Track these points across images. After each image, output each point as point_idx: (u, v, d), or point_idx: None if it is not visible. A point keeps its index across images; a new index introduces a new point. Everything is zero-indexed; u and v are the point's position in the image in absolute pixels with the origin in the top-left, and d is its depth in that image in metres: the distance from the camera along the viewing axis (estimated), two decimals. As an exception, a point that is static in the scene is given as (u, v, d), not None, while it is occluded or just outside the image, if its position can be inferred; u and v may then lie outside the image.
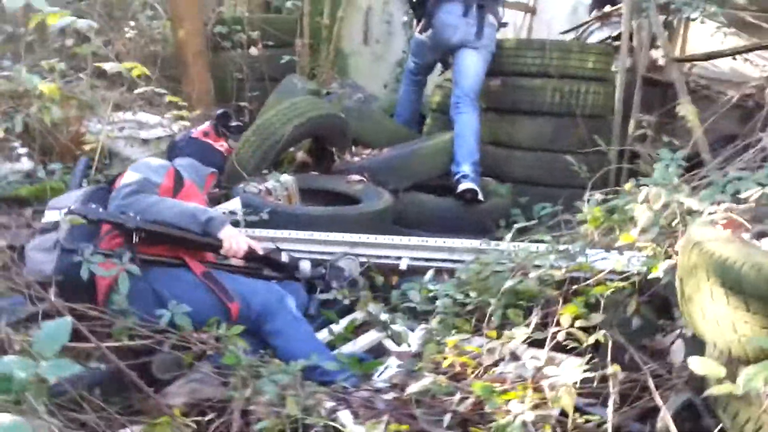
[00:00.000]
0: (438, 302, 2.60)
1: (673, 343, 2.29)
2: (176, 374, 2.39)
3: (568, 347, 2.16)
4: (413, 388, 2.14)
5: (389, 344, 2.77)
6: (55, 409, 1.90)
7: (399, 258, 3.22)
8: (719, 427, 1.80)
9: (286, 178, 3.91)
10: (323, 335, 2.77)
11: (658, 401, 1.89)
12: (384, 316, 2.81)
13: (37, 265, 2.51)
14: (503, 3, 4.80)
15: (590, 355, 2.13)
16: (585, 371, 2.01)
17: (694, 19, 4.69)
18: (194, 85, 5.52)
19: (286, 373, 2.14)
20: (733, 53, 4.65)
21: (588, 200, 2.79)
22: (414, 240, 3.30)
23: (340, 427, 2.01)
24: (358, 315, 2.88)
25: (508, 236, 2.88)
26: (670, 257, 2.23)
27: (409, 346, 2.61)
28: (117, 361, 2.13)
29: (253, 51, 5.80)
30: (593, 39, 5.50)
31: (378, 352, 2.76)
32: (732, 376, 1.57)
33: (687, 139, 4.00)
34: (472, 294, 2.57)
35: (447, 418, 2.03)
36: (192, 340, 2.31)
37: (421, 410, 2.10)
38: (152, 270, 2.51)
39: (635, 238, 2.34)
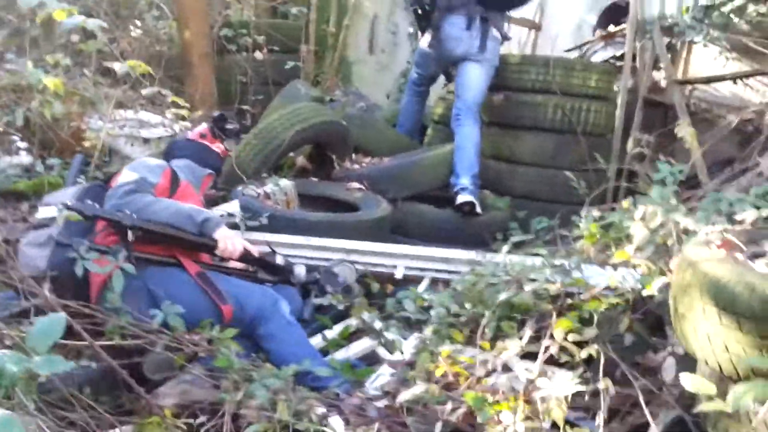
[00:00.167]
0: (432, 312, 2.61)
1: (665, 360, 2.29)
2: (168, 375, 2.38)
3: (560, 361, 2.17)
4: (405, 396, 2.14)
5: (382, 352, 2.77)
6: (44, 406, 1.90)
7: (395, 266, 3.22)
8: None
9: (286, 182, 3.91)
10: (317, 341, 2.77)
11: (649, 417, 1.90)
12: (378, 324, 2.81)
13: (31, 260, 2.51)
14: (508, 18, 4.83)
15: (582, 370, 2.13)
16: (577, 385, 2.01)
17: (697, 43, 4.73)
18: (198, 87, 5.53)
19: (277, 377, 2.14)
20: (735, 77, 4.68)
21: (585, 216, 2.80)
22: (410, 249, 3.30)
23: (330, 433, 2.01)
24: (352, 322, 2.88)
25: (505, 249, 2.88)
26: (664, 275, 2.24)
27: (402, 354, 2.61)
28: (109, 359, 2.12)
29: (258, 55, 5.82)
30: (597, 58, 5.53)
31: (371, 360, 2.77)
32: (722, 394, 1.57)
33: (685, 161, 4.01)
34: (467, 305, 2.57)
35: (438, 427, 2.03)
36: (184, 341, 2.31)
37: (412, 419, 2.10)
38: (147, 268, 2.51)
39: (630, 255, 2.35)
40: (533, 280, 2.48)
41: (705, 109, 5.15)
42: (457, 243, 3.75)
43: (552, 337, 2.16)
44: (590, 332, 2.19)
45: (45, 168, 3.94)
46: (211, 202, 3.69)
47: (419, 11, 4.87)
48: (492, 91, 4.69)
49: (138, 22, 6.07)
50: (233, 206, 3.50)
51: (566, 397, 1.99)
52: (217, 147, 3.10)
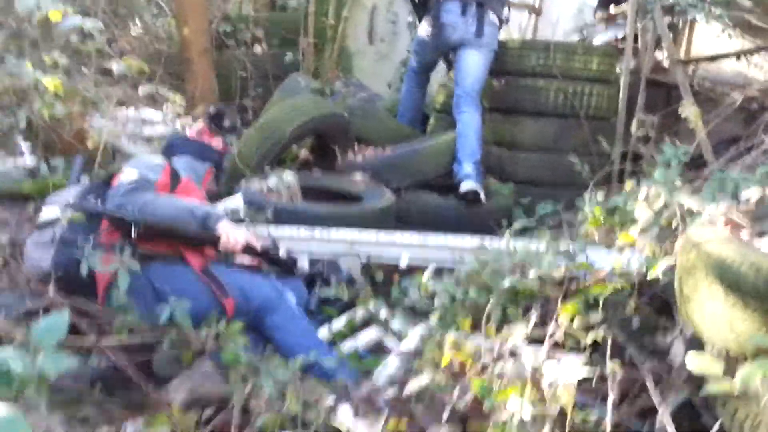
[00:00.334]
0: (437, 300, 2.60)
1: (672, 342, 2.28)
2: (176, 371, 2.40)
3: (567, 346, 2.16)
4: (412, 385, 2.14)
5: (389, 342, 2.77)
6: (55, 404, 1.91)
7: (399, 255, 3.22)
8: (718, 425, 1.80)
9: (289, 175, 3.90)
10: (323, 332, 2.77)
11: (657, 400, 1.89)
12: (384, 314, 2.81)
13: (36, 261, 2.52)
14: (508, 3, 4.80)
15: (589, 354, 2.13)
16: (584, 369, 2.01)
17: (698, 21, 4.69)
18: (198, 83, 5.52)
19: (285, 369, 2.14)
20: (738, 55, 4.65)
21: (589, 200, 2.78)
22: (414, 237, 3.30)
23: (339, 424, 2.01)
24: (359, 312, 2.88)
25: (508, 235, 2.87)
26: (669, 257, 2.22)
27: (409, 343, 2.61)
28: (118, 357, 2.14)
29: (258, 49, 5.81)
30: (598, 41, 5.50)
31: (378, 350, 2.77)
32: (730, 375, 1.57)
33: (690, 141, 3.99)
34: (472, 292, 2.57)
35: (446, 414, 2.03)
36: (192, 337, 2.31)
37: (420, 407, 2.10)
38: (151, 265, 2.52)
39: (634, 238, 2.33)
40: (538, 266, 2.47)
41: (709, 88, 5.12)
42: (462, 230, 3.74)
43: (558, 321, 2.16)
44: (596, 316, 2.19)
45: (49, 169, 3.94)
46: (214, 198, 3.70)
47: (416, 0, 4.86)
48: (492, 76, 4.67)
49: (137, 21, 6.06)
50: (237, 201, 3.50)
51: (574, 382, 1.99)
52: (216, 143, 3.10)
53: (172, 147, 3.06)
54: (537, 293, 2.40)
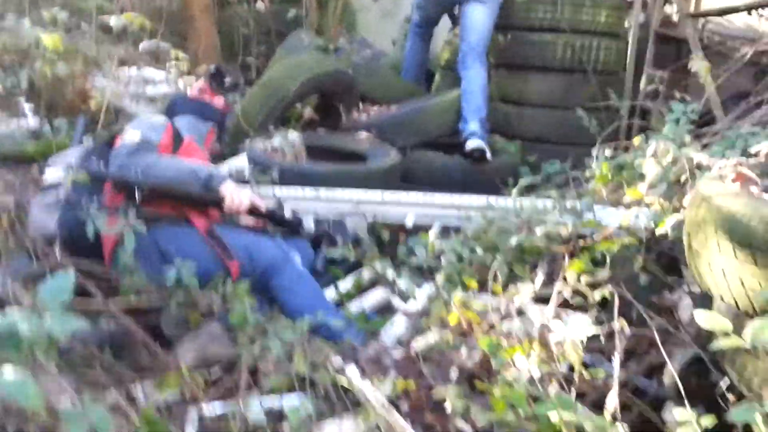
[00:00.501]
0: (444, 259, 2.59)
1: (680, 299, 2.27)
2: (184, 332, 2.40)
3: (574, 304, 2.16)
4: (420, 344, 2.14)
5: (396, 301, 2.78)
6: (64, 367, 1.92)
7: (405, 215, 3.21)
8: (727, 382, 1.80)
9: (293, 135, 3.87)
10: (330, 293, 2.77)
11: (665, 357, 1.89)
12: (390, 273, 2.81)
13: (41, 223, 2.51)
14: None
15: (597, 311, 2.12)
16: (592, 327, 2.00)
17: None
18: (201, 41, 5.47)
19: (293, 330, 2.14)
20: (749, 8, 4.55)
21: (597, 156, 2.75)
22: (420, 197, 3.28)
23: (347, 383, 2.02)
24: (365, 272, 2.88)
25: (515, 192, 2.86)
26: (678, 213, 2.20)
27: (416, 302, 2.61)
28: (126, 319, 2.14)
29: (260, 5, 5.72)
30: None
31: (385, 310, 2.77)
32: (739, 330, 1.56)
33: (700, 96, 3.93)
34: (478, 250, 2.56)
35: (454, 373, 2.04)
36: (199, 298, 2.32)
37: (427, 366, 2.11)
38: (156, 227, 2.51)
39: (643, 194, 2.31)
40: (544, 223, 2.45)
41: (719, 42, 5.03)
42: (468, 189, 3.72)
43: (565, 279, 2.15)
44: (604, 273, 2.18)
45: (52, 130, 3.92)
46: (218, 157, 3.68)
47: None
48: (498, 31, 4.59)
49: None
50: (242, 161, 3.48)
51: (581, 340, 1.99)
52: (218, 101, 3.07)
53: (173, 107, 3.02)
54: (544, 251, 2.39)
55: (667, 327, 2.11)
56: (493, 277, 2.38)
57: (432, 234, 2.93)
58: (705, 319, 1.59)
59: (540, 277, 2.30)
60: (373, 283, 2.85)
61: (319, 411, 1.94)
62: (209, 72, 3.14)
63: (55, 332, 1.43)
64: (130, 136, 2.63)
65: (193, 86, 3.15)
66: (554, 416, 1.63)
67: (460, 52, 4.50)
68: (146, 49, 4.47)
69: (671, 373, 1.84)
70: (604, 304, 2.17)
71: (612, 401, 1.79)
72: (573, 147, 4.03)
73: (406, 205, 3.24)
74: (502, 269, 2.39)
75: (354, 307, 2.67)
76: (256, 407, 1.82)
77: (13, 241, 2.47)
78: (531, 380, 1.91)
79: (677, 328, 2.14)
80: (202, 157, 2.86)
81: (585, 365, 2.00)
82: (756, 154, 2.31)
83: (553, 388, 1.90)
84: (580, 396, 1.96)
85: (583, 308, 2.16)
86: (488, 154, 4.19)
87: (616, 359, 1.90)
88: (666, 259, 2.41)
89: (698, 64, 3.84)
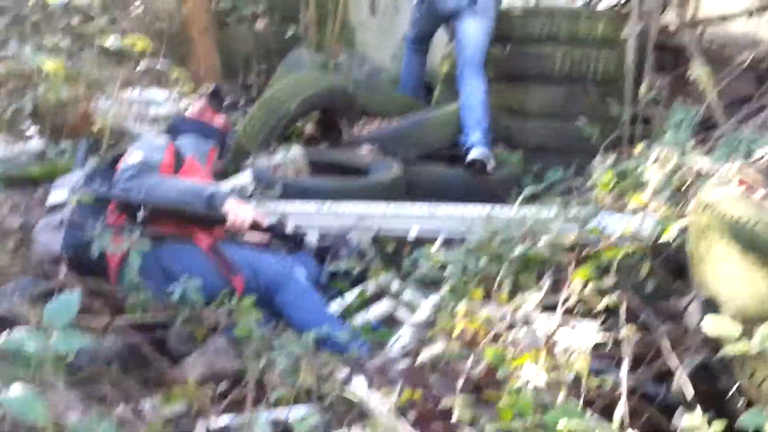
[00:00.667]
0: (448, 270, 2.59)
1: (688, 305, 2.27)
2: (191, 347, 2.41)
3: (580, 312, 2.15)
4: (426, 355, 2.14)
5: (401, 314, 2.77)
6: (73, 383, 1.92)
7: (409, 227, 3.21)
8: (736, 387, 1.79)
9: (295, 151, 3.88)
10: (335, 306, 2.77)
11: (674, 363, 1.88)
12: (395, 286, 2.81)
13: (45, 245, 2.53)
14: None
15: (604, 319, 2.12)
16: (599, 334, 2.00)
17: (706, -20, 4.61)
18: (201, 62, 5.50)
19: (298, 344, 2.14)
20: (750, 13, 4.56)
21: (599, 164, 2.75)
22: (423, 209, 3.29)
23: (354, 396, 2.01)
24: (370, 285, 2.88)
25: (518, 202, 2.86)
26: (682, 218, 2.20)
27: (421, 314, 2.61)
28: (133, 335, 2.15)
29: (259, 25, 5.76)
30: (603, 5, 5.41)
31: (390, 322, 2.77)
32: (748, 335, 1.55)
33: (700, 103, 3.94)
34: (483, 261, 2.55)
35: (460, 383, 2.03)
36: (205, 313, 2.32)
37: (434, 377, 2.10)
38: (160, 245, 2.52)
39: (646, 201, 2.31)
40: (549, 232, 2.45)
41: (717, 48, 5.04)
42: (470, 200, 3.73)
43: (570, 288, 2.15)
44: (609, 280, 2.17)
45: (57, 153, 3.94)
46: (220, 175, 3.69)
47: None
48: (497, 44, 4.61)
49: (137, 0, 6.01)
50: (245, 178, 3.49)
51: (588, 347, 1.98)
52: (218, 120, 3.10)
53: (174, 127, 3.07)
54: (549, 260, 2.39)
55: (675, 333, 2.10)
56: (498, 286, 2.38)
57: (436, 246, 2.93)
58: (713, 325, 1.59)
59: (546, 285, 2.30)
60: (378, 296, 2.85)
61: (327, 423, 1.93)
62: (208, 92, 3.18)
63: (62, 349, 1.44)
64: (133, 158, 2.66)
65: (193, 106, 3.19)
66: (562, 424, 1.62)
67: (458, 66, 4.52)
68: (145, 68, 4.49)
69: (680, 379, 1.83)
70: (610, 311, 2.17)
71: (621, 408, 1.78)
72: (574, 156, 4.03)
73: (409, 218, 3.25)
74: (507, 279, 2.38)
75: (359, 319, 2.67)
76: (263, 420, 1.82)
77: (20, 262, 2.48)
78: (537, 389, 1.91)
79: (685, 333, 2.13)
80: (205, 175, 2.88)
81: (593, 373, 2.00)
82: (759, 160, 2.31)
83: (560, 396, 1.89)
84: (588, 404, 1.95)
85: (589, 315, 2.15)
86: (489, 165, 4.19)
87: (624, 366, 1.89)
88: (673, 263, 2.40)
89: (698, 70, 3.85)
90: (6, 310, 2.09)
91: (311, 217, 3.25)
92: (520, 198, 2.89)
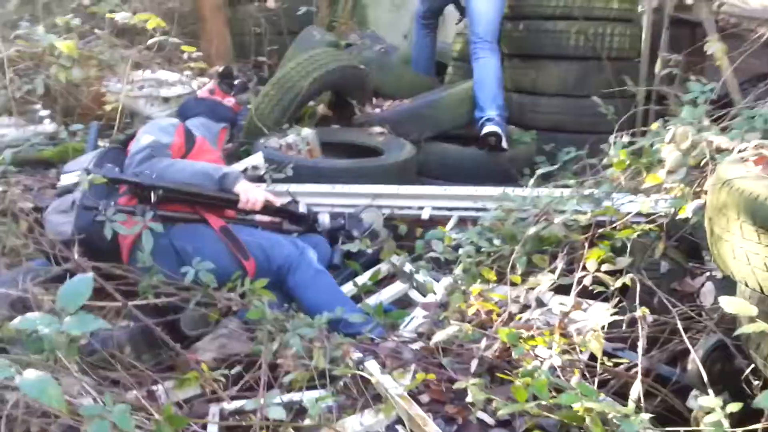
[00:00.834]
0: (461, 251, 2.58)
1: (702, 285, 2.25)
2: (204, 330, 2.41)
3: (594, 292, 2.14)
4: (439, 336, 2.13)
5: (414, 295, 2.77)
6: (87, 368, 1.93)
7: (421, 208, 3.20)
8: (751, 367, 1.78)
9: (308, 131, 3.87)
10: (348, 287, 2.77)
11: (688, 343, 1.86)
12: (408, 267, 2.80)
13: (56, 227, 2.54)
14: None
15: (618, 300, 2.10)
16: (613, 315, 1.98)
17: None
18: (213, 42, 5.48)
19: (311, 326, 2.14)
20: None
21: (614, 143, 2.72)
22: (436, 189, 3.27)
23: (368, 377, 2.01)
24: (383, 266, 2.87)
25: (531, 182, 2.83)
26: (698, 198, 2.17)
27: (435, 295, 2.60)
28: (146, 319, 2.15)
29: (271, 4, 5.72)
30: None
31: (403, 303, 2.76)
32: (764, 315, 1.53)
33: (716, 80, 3.87)
34: (496, 241, 2.54)
35: (474, 365, 2.03)
36: (217, 296, 2.32)
37: (447, 358, 2.10)
38: (172, 227, 2.52)
39: (662, 179, 2.28)
40: (562, 212, 2.43)
41: (734, 24, 4.95)
42: (484, 180, 3.70)
43: (585, 268, 2.13)
44: (624, 261, 2.15)
45: (68, 134, 3.95)
46: (233, 156, 3.69)
47: None
48: (511, 21, 4.56)
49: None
50: (257, 159, 3.49)
51: (603, 328, 1.97)
52: (228, 101, 3.10)
53: (185, 109, 3.09)
54: (562, 240, 2.37)
55: (690, 313, 2.08)
56: (512, 267, 2.36)
57: (449, 226, 2.91)
58: (730, 304, 1.56)
59: (560, 266, 2.28)
60: (391, 277, 2.84)
61: (340, 405, 1.93)
62: (218, 73, 3.18)
63: (75, 332, 1.44)
64: (143, 140, 2.66)
65: (203, 89, 3.19)
66: (577, 405, 1.61)
67: (471, 43, 4.47)
68: (150, 44, 4.46)
69: (694, 360, 1.82)
70: (624, 291, 2.15)
71: (636, 389, 1.77)
72: (589, 135, 3.99)
73: (422, 198, 3.23)
74: (521, 260, 2.37)
75: (372, 301, 2.66)
76: (276, 402, 1.82)
77: (32, 244, 2.48)
78: (552, 369, 1.90)
79: (700, 314, 2.12)
80: (216, 156, 2.88)
81: (606, 354, 1.99)
82: (776, 136, 2.27)
83: (574, 378, 1.88)
84: (602, 384, 1.94)
85: (601, 296, 2.14)
86: (504, 142, 4.15)
87: (640, 347, 1.88)
88: (686, 243, 2.38)
89: (715, 46, 3.78)
90: (20, 293, 2.10)
91: (324, 198, 3.24)
92: (534, 177, 2.86)
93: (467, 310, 2.28)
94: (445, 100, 4.39)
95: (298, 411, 1.93)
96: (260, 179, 3.34)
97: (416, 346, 2.24)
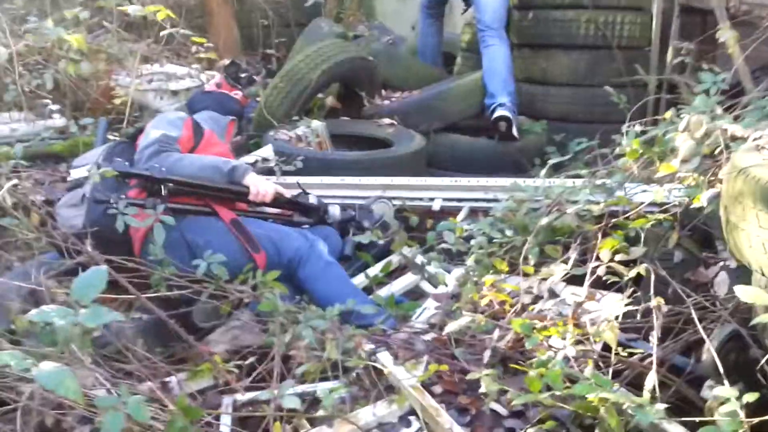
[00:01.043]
0: (473, 242, 2.57)
1: (716, 275, 2.23)
2: (216, 323, 2.42)
3: (608, 282, 2.13)
4: (452, 327, 2.13)
5: (426, 286, 2.76)
6: (100, 360, 1.94)
7: (432, 199, 3.19)
8: (767, 357, 1.76)
9: (317, 124, 3.87)
10: (359, 279, 2.76)
11: (703, 333, 1.85)
12: (420, 258, 2.79)
13: (67, 220, 2.55)
14: None
15: (632, 290, 2.09)
16: (627, 305, 1.97)
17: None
18: (221, 35, 5.48)
19: (323, 318, 2.14)
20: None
21: (626, 132, 2.70)
22: (447, 180, 3.26)
23: (380, 368, 2.01)
24: (394, 258, 2.87)
25: (543, 172, 2.82)
26: (712, 186, 2.15)
27: (446, 287, 2.60)
28: (158, 311, 2.15)
29: (278, -5, 5.72)
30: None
31: (415, 295, 2.76)
32: (780, 305, 1.52)
33: (728, 68, 3.84)
34: (508, 232, 2.53)
35: (487, 355, 2.02)
36: (229, 288, 2.32)
37: (460, 349, 2.10)
38: (183, 219, 2.53)
39: (676, 168, 2.26)
40: (575, 202, 2.42)
41: (745, 11, 4.90)
42: (494, 171, 3.70)
43: (598, 258, 2.11)
44: (637, 251, 2.14)
45: (78, 128, 3.96)
46: (243, 149, 3.69)
47: None
48: (520, 10, 4.53)
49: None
50: (267, 151, 3.49)
51: (617, 318, 1.96)
52: (235, 94, 3.11)
53: (193, 102, 3.12)
54: (575, 230, 2.35)
55: (704, 303, 2.06)
56: (524, 258, 2.35)
57: (460, 217, 2.90)
58: (745, 293, 1.55)
59: (573, 256, 2.27)
60: (402, 268, 2.84)
61: (353, 396, 1.93)
62: (224, 66, 3.19)
63: (89, 325, 1.44)
64: (152, 135, 2.66)
65: (210, 83, 3.22)
66: (591, 396, 1.60)
67: (479, 32, 4.46)
68: (163, 35, 4.46)
69: (709, 350, 1.80)
70: (637, 282, 2.13)
71: (651, 379, 1.76)
72: (600, 125, 3.97)
73: (433, 189, 3.22)
74: (533, 250, 2.36)
75: (383, 292, 2.66)
76: (290, 392, 1.82)
77: (45, 238, 2.49)
78: (566, 359, 1.89)
79: (714, 304, 2.10)
80: (224, 149, 2.89)
81: (620, 344, 1.98)
82: (791, 124, 2.25)
83: (588, 368, 1.88)
84: (616, 375, 1.93)
85: (616, 286, 2.13)
86: (515, 129, 4.13)
87: (654, 337, 1.87)
88: (699, 233, 2.36)
89: (727, 34, 3.75)
90: (33, 285, 2.11)
91: (334, 189, 3.24)
92: (546, 168, 2.85)
93: (479, 301, 2.27)
94: (454, 90, 4.38)
95: (311, 402, 1.93)
96: (270, 171, 3.35)
97: (428, 337, 2.24)
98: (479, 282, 2.39)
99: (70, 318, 1.42)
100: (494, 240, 2.54)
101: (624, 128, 2.77)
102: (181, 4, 5.76)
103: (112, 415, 1.37)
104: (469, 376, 1.86)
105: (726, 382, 1.64)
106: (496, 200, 2.99)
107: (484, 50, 4.39)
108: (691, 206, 2.17)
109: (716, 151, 2.23)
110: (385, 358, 2.06)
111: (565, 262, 2.27)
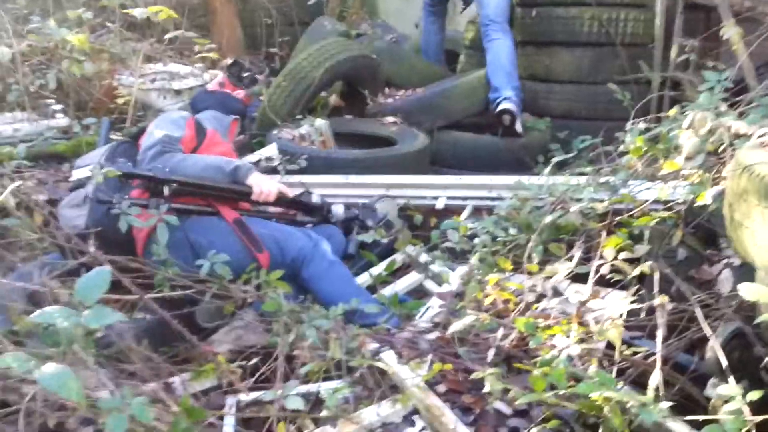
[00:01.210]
0: (477, 240, 2.56)
1: (720, 272, 2.22)
2: (220, 323, 2.42)
3: (612, 280, 2.12)
4: (456, 326, 2.12)
5: (430, 285, 2.76)
6: (103, 360, 1.94)
7: (436, 197, 3.18)
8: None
9: (320, 122, 3.87)
10: (363, 278, 2.76)
11: (707, 331, 1.84)
12: (424, 257, 2.79)
13: (70, 221, 2.54)
14: None
15: (636, 288, 2.08)
16: (631, 303, 1.97)
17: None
18: (224, 34, 5.48)
19: (327, 317, 2.13)
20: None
21: (630, 129, 2.69)
22: (451, 179, 3.25)
23: (384, 368, 2.01)
24: (398, 257, 2.87)
25: (547, 170, 2.81)
26: (717, 184, 2.14)
27: (450, 285, 2.59)
28: (162, 311, 2.15)
29: (281, -6, 5.73)
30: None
31: (419, 294, 2.76)
32: (785, 303, 1.51)
33: (732, 65, 3.83)
34: (512, 230, 2.53)
35: (491, 354, 2.02)
36: (232, 288, 2.32)
37: (464, 348, 2.09)
38: (186, 219, 2.53)
39: (680, 166, 2.25)
40: (579, 200, 2.41)
41: (749, 7, 4.89)
42: (498, 169, 3.69)
43: (602, 256, 2.11)
44: (642, 249, 2.13)
45: (81, 128, 3.97)
46: (246, 148, 3.69)
47: None
48: (523, 7, 4.52)
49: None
50: (271, 150, 3.49)
51: (621, 317, 1.95)
52: (238, 94, 3.12)
53: (195, 102, 3.12)
54: (579, 228, 2.35)
55: (708, 301, 2.06)
56: (528, 256, 2.35)
57: (464, 215, 2.90)
58: (749, 291, 1.54)
59: (577, 254, 2.26)
60: (406, 267, 2.83)
61: (357, 396, 1.93)
62: (227, 65, 3.20)
63: (93, 325, 1.44)
64: (153, 136, 2.66)
65: (213, 82, 3.22)
66: (595, 394, 1.59)
67: (482, 27, 4.45)
68: (169, 37, 4.47)
69: (713, 347, 1.80)
70: (641, 279, 2.13)
71: (655, 377, 1.75)
72: (603, 122, 3.96)
73: (436, 188, 3.22)
74: (537, 248, 2.35)
75: (387, 291, 2.66)
76: (293, 392, 1.82)
77: (47, 238, 2.49)
78: (570, 358, 1.89)
79: (718, 301, 2.09)
80: (227, 148, 2.89)
81: (624, 342, 1.97)
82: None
83: (592, 367, 1.87)
84: (620, 373, 1.93)
85: (620, 284, 2.12)
86: (518, 124, 4.12)
87: (659, 335, 1.86)
88: (703, 231, 2.35)
89: (731, 31, 3.73)
90: (36, 286, 2.11)
91: (338, 188, 3.24)
92: (550, 165, 2.84)
93: (483, 299, 2.27)
94: (458, 88, 4.38)
95: (314, 402, 1.93)
96: (274, 170, 3.35)
97: (432, 336, 2.23)
98: (483, 280, 2.38)
99: (73, 319, 1.42)
100: (498, 238, 2.53)
101: (628, 125, 2.76)
102: (184, 3, 5.77)
103: (116, 416, 1.37)
104: (473, 375, 1.85)
105: (730, 380, 1.63)
106: (500, 198, 2.98)
107: (487, 45, 4.38)
108: (696, 204, 2.16)
109: (720, 149, 2.22)
110: (388, 358, 2.06)
111: (569, 260, 2.26)
